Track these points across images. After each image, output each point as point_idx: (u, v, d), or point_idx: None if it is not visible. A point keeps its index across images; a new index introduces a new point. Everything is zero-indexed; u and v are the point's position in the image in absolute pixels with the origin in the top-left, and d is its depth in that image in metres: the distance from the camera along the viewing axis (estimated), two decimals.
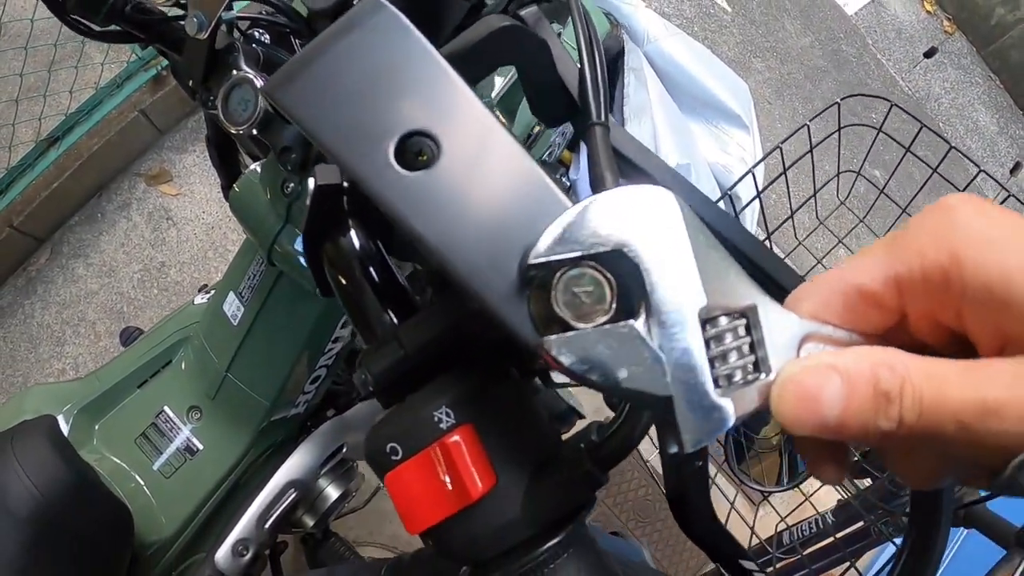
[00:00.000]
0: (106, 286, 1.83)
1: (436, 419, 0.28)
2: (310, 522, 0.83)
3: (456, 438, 0.27)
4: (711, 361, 0.22)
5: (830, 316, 0.24)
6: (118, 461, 0.81)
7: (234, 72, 0.48)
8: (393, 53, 0.24)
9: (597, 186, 0.30)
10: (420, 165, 0.24)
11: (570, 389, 0.71)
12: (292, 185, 0.59)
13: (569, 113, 0.35)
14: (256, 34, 0.55)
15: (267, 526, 0.73)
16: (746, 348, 0.23)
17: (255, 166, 0.66)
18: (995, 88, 3.56)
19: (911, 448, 0.25)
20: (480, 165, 0.24)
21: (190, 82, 0.50)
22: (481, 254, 0.23)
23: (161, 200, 1.87)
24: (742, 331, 0.23)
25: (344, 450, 0.93)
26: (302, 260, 0.63)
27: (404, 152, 0.24)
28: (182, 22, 0.49)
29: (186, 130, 1.92)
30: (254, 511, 0.73)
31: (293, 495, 0.82)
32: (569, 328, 0.22)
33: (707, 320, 0.22)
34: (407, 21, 0.25)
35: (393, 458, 0.28)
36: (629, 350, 0.21)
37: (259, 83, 0.47)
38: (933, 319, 0.23)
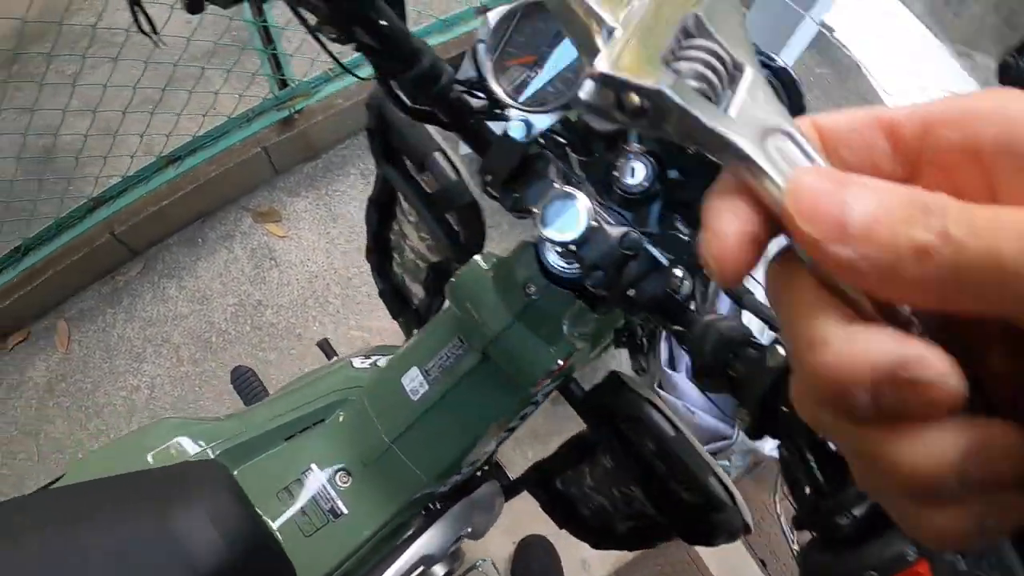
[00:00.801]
0: (197, 312, 1.84)
1: (905, 554, 0.37)
2: None
3: (920, 568, 0.37)
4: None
5: (837, 134, 0.21)
6: (256, 510, 0.80)
7: (552, 184, 0.50)
8: None
9: None
10: None
11: None
12: (535, 288, 0.60)
13: None
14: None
15: None
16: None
17: (479, 258, 0.67)
18: None
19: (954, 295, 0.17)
20: None
21: (488, 177, 0.52)
22: None
23: (266, 239, 1.91)
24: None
25: (469, 530, 0.91)
26: (522, 355, 0.63)
27: None
28: (497, 121, 0.51)
29: (301, 175, 1.97)
30: None
31: (421, 570, 0.81)
32: None
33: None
34: None
35: None
36: None
37: (586, 203, 0.48)
38: (952, 176, 0.19)
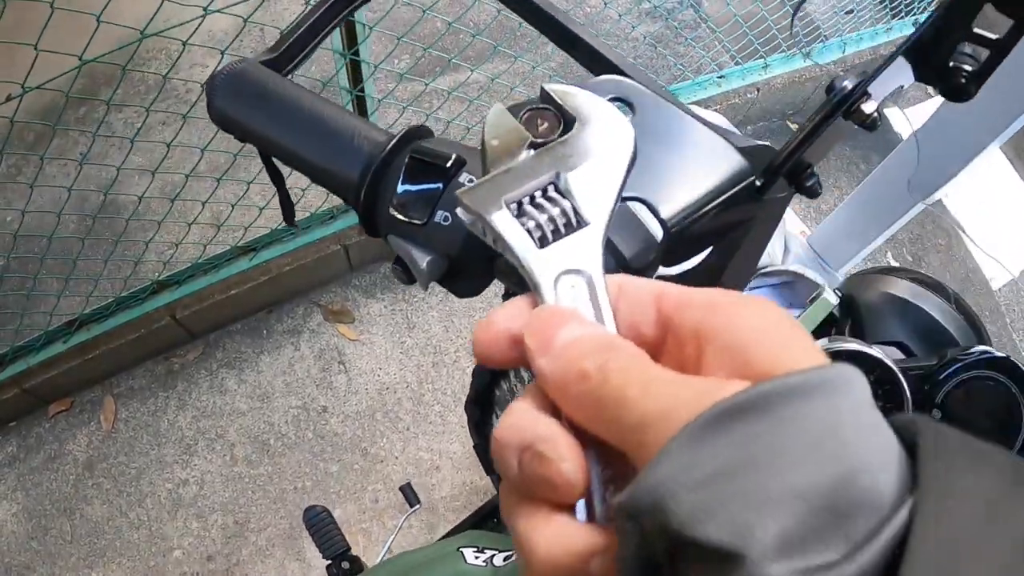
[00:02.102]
0: (256, 410, 1.75)
1: None
2: None
3: None
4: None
5: (629, 293, 0.25)
6: None
7: None
8: None
9: None
10: None
11: None
12: None
13: None
14: None
15: None
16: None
17: None
18: None
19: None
20: None
21: None
22: None
23: (336, 340, 1.80)
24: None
25: None
26: None
27: None
28: None
29: (377, 274, 1.86)
30: None
31: None
32: None
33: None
34: None
35: None
36: None
37: None
38: (680, 347, 0.24)
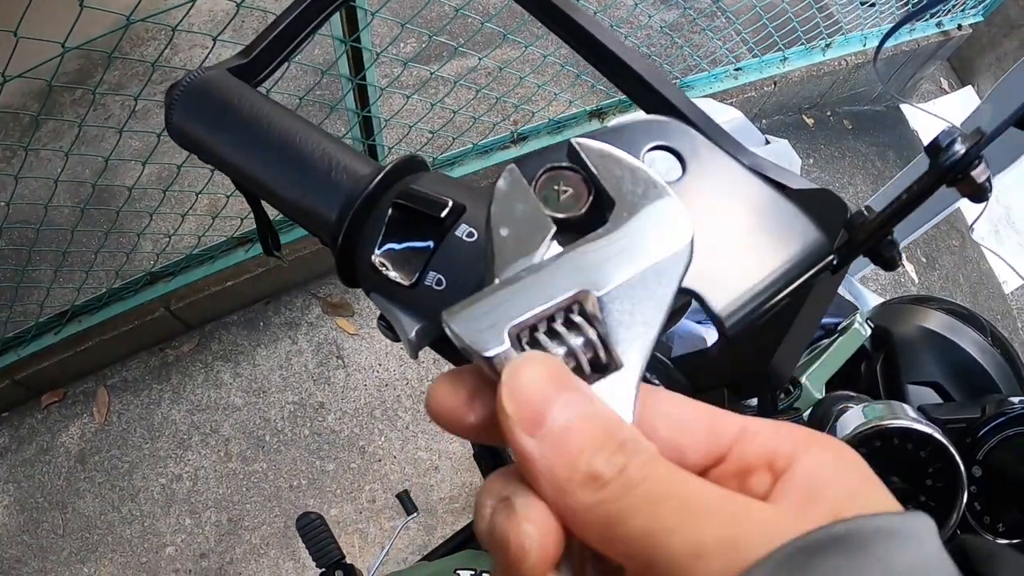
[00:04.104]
0: (251, 405, 1.71)
1: None
2: None
3: None
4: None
5: (663, 408, 0.22)
6: None
7: None
8: None
9: None
10: None
11: None
12: None
13: None
14: None
15: None
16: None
17: None
18: None
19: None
20: None
21: None
22: None
23: (335, 334, 1.76)
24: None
25: None
26: None
27: None
28: None
29: None
30: None
31: None
32: None
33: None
34: None
35: None
36: None
37: None
38: (743, 478, 0.21)
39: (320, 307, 1.77)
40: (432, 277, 0.30)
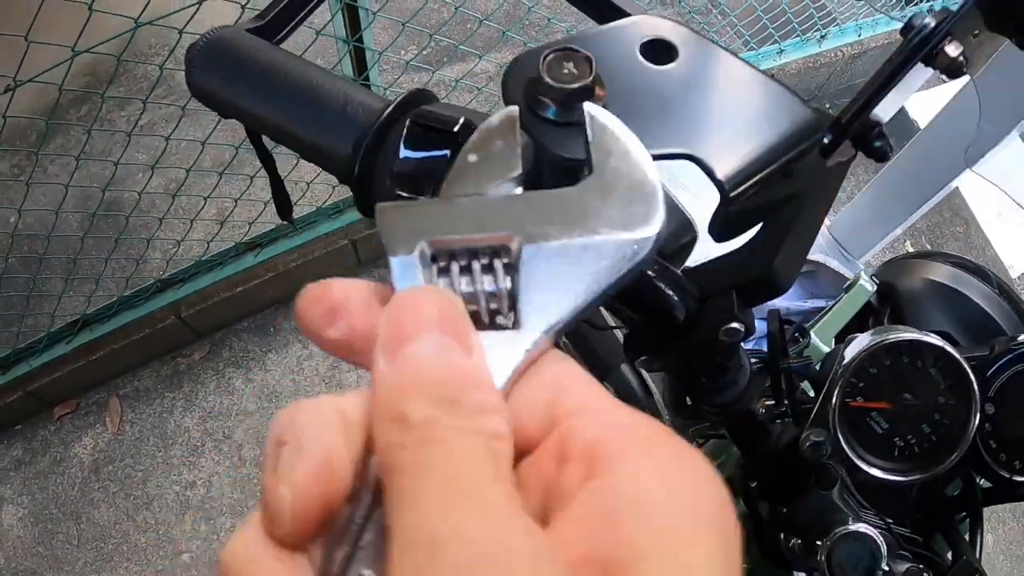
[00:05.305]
0: (264, 410, 1.72)
1: None
2: None
3: None
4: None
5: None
6: None
7: (843, 517, 0.43)
8: None
9: None
10: None
11: None
12: None
13: None
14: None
15: None
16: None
17: None
18: None
19: None
20: None
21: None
22: None
23: None
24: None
25: None
26: None
27: None
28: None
29: (387, 270, 1.82)
30: None
31: None
32: None
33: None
34: None
35: None
36: None
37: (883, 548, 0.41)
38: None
39: None
40: None
